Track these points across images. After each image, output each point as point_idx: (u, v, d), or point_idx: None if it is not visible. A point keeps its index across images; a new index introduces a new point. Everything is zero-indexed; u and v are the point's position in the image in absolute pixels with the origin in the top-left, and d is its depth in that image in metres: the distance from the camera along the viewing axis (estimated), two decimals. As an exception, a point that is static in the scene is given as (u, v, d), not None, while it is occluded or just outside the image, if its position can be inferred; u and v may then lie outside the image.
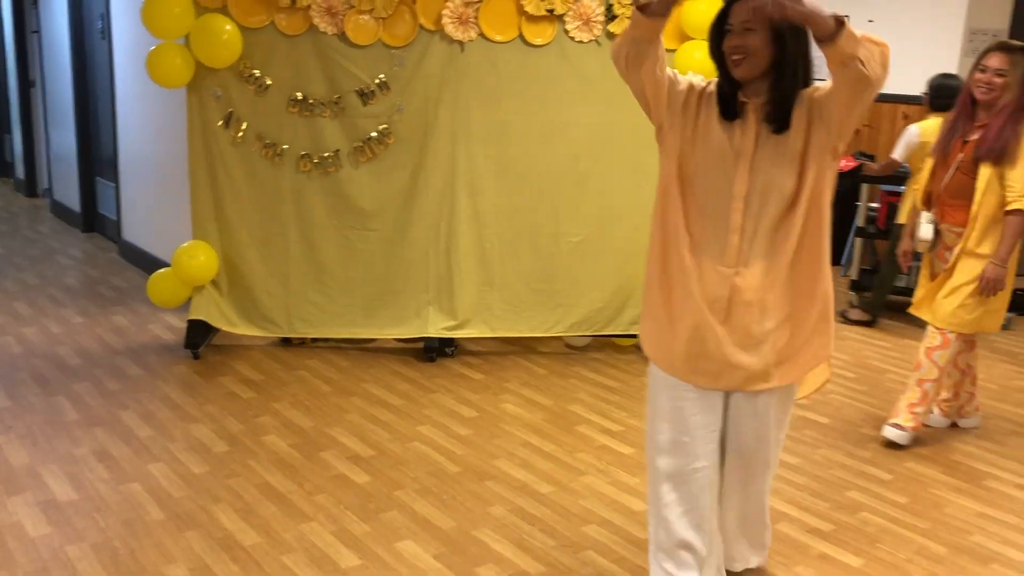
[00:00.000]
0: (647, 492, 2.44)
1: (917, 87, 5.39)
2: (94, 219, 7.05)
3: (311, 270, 4.44)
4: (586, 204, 4.45)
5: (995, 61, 3.41)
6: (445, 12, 4.20)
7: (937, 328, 3.57)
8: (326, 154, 4.33)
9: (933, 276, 3.73)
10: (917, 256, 3.91)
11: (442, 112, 4.31)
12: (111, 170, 6.30)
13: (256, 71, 4.24)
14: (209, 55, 4.14)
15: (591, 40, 4.31)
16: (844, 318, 5.44)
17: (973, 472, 3.50)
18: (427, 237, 4.43)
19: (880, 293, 5.43)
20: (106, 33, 6.03)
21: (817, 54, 2.06)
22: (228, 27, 4.11)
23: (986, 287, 3.46)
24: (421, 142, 4.34)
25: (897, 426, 3.65)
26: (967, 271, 3.51)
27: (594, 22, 4.29)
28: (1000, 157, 3.39)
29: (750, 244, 2.18)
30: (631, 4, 4.23)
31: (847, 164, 5.72)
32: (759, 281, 2.19)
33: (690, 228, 2.22)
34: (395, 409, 3.87)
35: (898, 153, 5.07)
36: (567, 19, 4.28)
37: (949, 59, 6.27)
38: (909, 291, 4.97)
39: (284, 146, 4.32)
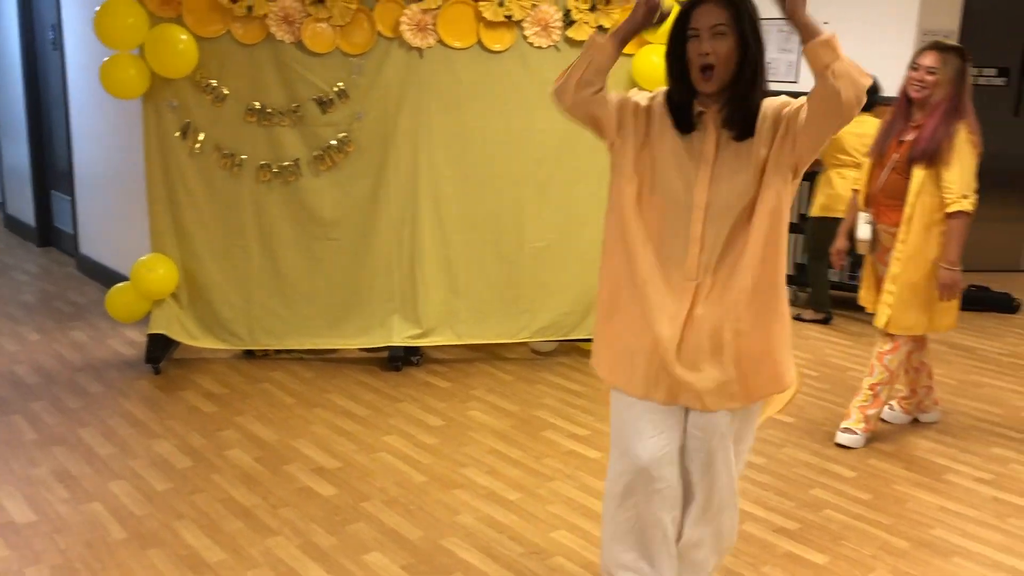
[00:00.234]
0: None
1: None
2: (50, 233, 6.92)
3: (273, 281, 4.40)
4: (549, 209, 4.46)
5: (927, 60, 3.47)
6: (403, 19, 4.19)
7: (886, 333, 3.62)
8: (286, 163, 4.30)
9: (876, 278, 3.77)
10: (852, 253, 3.98)
11: (402, 119, 4.30)
12: (66, 183, 6.20)
13: (213, 81, 4.20)
14: (164, 65, 4.09)
15: (550, 46, 4.32)
16: (799, 319, 5.51)
17: (933, 467, 3.56)
18: (390, 245, 4.41)
19: (818, 291, 5.51)
20: (58, 44, 5.94)
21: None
22: (183, 37, 4.06)
23: (943, 291, 3.50)
24: (382, 150, 4.32)
25: (848, 430, 3.71)
26: (901, 273, 3.53)
27: (552, 28, 4.30)
28: (933, 158, 3.42)
29: (711, 255, 2.13)
30: (595, 27, 4.27)
31: None
32: (721, 293, 2.13)
33: (650, 241, 2.17)
34: (360, 420, 3.84)
35: None
36: (525, 25, 4.29)
37: (902, 59, 6.35)
38: (852, 287, 5.07)
39: (243, 156, 4.28)
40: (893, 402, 3.98)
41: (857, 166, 4.60)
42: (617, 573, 2.35)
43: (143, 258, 4.32)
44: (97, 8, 4.02)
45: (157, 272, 4.27)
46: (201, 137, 4.25)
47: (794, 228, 5.77)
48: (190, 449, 3.51)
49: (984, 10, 6.62)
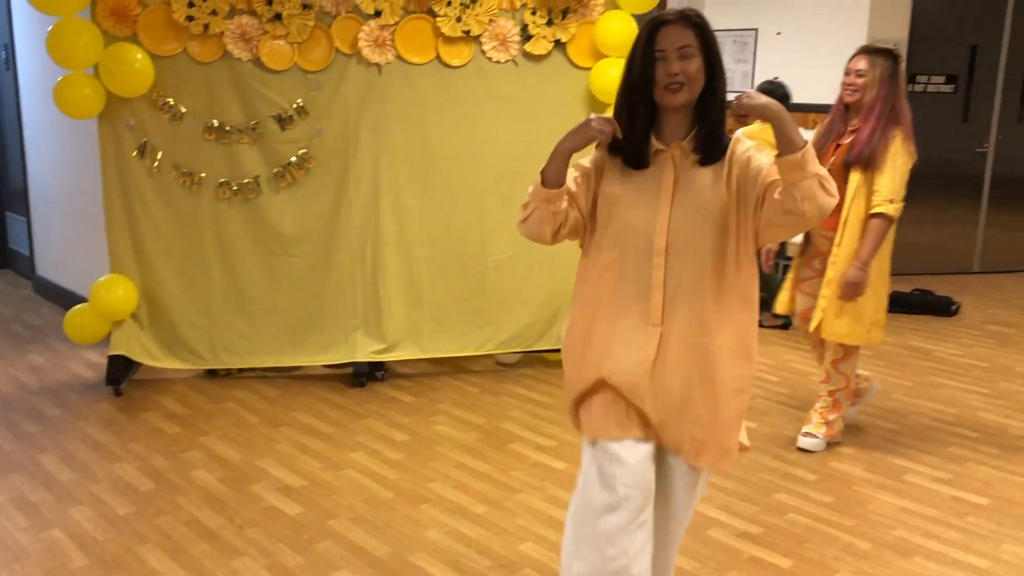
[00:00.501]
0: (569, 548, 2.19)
1: (826, 95, 5.57)
2: (5, 255, 6.80)
3: (235, 299, 4.37)
4: (511, 222, 4.41)
5: (856, 63, 3.54)
6: (361, 35, 4.20)
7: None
8: (245, 180, 4.28)
9: (797, 280, 3.80)
10: (781, 255, 4.01)
11: (363, 135, 4.30)
12: (22, 204, 6.10)
13: (170, 99, 4.17)
14: (120, 85, 4.06)
15: (508, 60, 4.35)
16: (761, 326, 5.57)
17: (893, 468, 3.62)
18: (353, 261, 4.40)
19: (773, 295, 5.58)
20: (10, 63, 5.85)
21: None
22: (139, 56, 4.03)
23: (846, 290, 3.50)
24: (342, 165, 4.32)
25: (809, 435, 3.76)
26: (836, 277, 3.53)
27: (510, 42, 4.33)
28: (869, 163, 3.46)
29: (673, 299, 2.04)
30: (551, 42, 4.31)
31: None
32: (687, 340, 2.04)
33: (612, 291, 2.09)
34: (326, 437, 3.82)
35: None
36: (484, 40, 4.31)
37: (854, 68, 6.50)
38: None
39: (202, 174, 4.25)
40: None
41: None
42: None
43: (102, 279, 4.27)
44: (50, 27, 3.97)
45: (116, 293, 4.22)
46: (159, 156, 4.21)
47: None
48: (153, 471, 3.46)
49: (932, 19, 6.79)
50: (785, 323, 5.58)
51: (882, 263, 3.58)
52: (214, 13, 4.09)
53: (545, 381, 4.53)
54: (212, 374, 4.51)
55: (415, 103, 4.32)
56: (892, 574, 2.85)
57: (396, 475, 3.47)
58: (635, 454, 2.07)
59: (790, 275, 3.87)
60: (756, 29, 6.91)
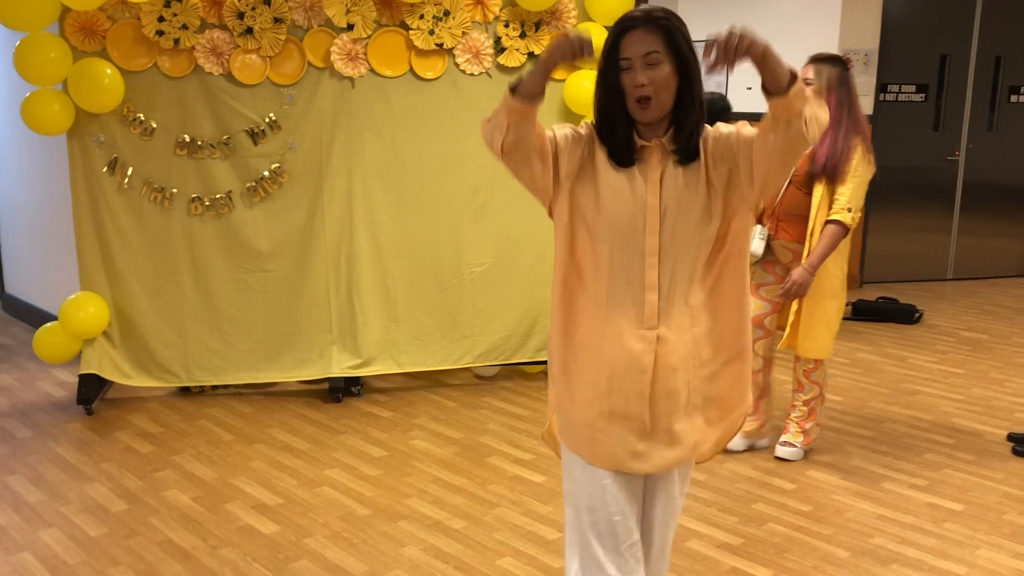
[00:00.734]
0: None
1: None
2: (-26, 273, 6.70)
3: (208, 315, 4.32)
4: (486, 234, 4.47)
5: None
6: (333, 49, 4.18)
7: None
8: (218, 196, 4.24)
9: (756, 285, 3.79)
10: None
11: (336, 148, 4.28)
12: (-10, 221, 6.02)
13: (140, 115, 4.13)
14: (89, 100, 4.01)
15: (482, 72, 4.35)
16: None
17: (870, 476, 3.63)
18: (327, 275, 4.37)
19: None
20: (-21, 79, 5.77)
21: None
22: (108, 71, 3.99)
23: (790, 290, 3.52)
24: (316, 179, 4.29)
25: (787, 444, 3.77)
26: (816, 296, 3.56)
27: (484, 55, 4.33)
28: (834, 176, 3.47)
29: (668, 301, 1.93)
30: (525, 54, 4.31)
31: None
32: (685, 343, 1.95)
33: (602, 296, 1.95)
34: (301, 454, 3.78)
35: None
36: (457, 52, 4.31)
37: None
38: None
39: (173, 190, 4.21)
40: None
41: None
42: None
43: (72, 296, 4.21)
44: (17, 42, 3.92)
45: (87, 311, 4.16)
46: (129, 172, 4.16)
47: None
48: (125, 492, 3.41)
49: (902, 29, 6.87)
50: None
51: (843, 272, 3.62)
52: (185, 27, 4.06)
53: (523, 394, 4.51)
54: (185, 391, 4.45)
55: (389, 116, 4.30)
56: (871, 582, 2.85)
57: (373, 491, 3.44)
58: (624, 484, 2.00)
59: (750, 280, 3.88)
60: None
